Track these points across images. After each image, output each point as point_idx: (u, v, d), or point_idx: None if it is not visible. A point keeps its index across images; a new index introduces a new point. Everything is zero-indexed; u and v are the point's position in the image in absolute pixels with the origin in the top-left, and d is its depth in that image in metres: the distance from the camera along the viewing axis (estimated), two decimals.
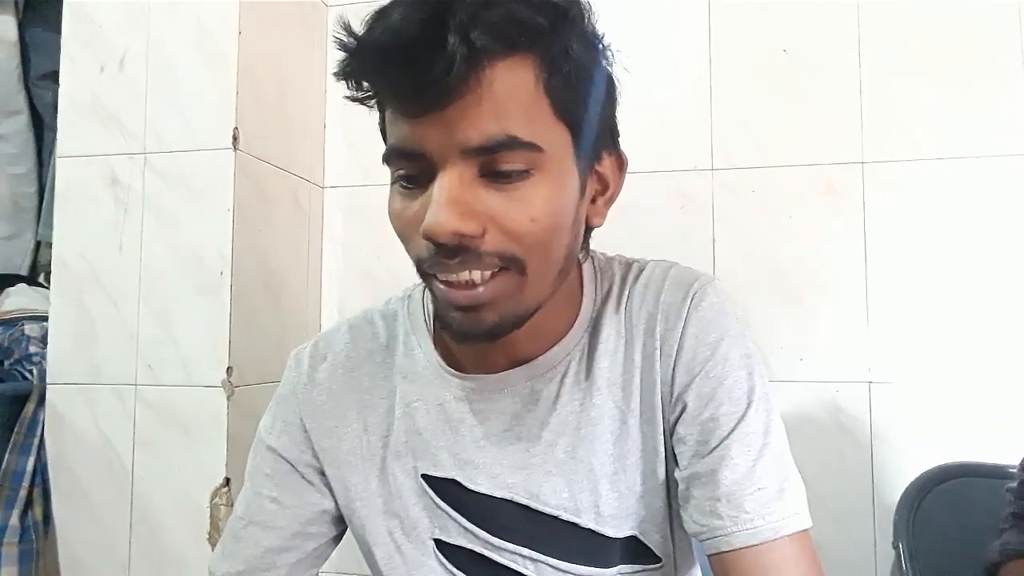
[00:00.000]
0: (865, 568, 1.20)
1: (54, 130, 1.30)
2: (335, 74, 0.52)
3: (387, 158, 0.54)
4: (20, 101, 1.49)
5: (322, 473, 0.66)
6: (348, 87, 0.52)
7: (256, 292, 1.22)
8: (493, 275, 0.52)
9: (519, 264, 0.52)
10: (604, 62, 0.58)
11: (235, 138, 1.16)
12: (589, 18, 0.55)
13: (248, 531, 0.66)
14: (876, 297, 1.24)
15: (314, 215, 1.41)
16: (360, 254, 1.42)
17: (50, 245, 1.28)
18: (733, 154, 1.30)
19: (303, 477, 0.66)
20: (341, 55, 0.51)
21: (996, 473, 1.07)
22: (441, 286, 0.53)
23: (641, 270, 0.66)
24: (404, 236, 0.55)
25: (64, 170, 1.23)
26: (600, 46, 0.57)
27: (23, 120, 1.50)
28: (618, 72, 0.60)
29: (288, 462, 0.66)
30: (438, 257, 0.51)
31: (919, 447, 1.19)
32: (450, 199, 0.50)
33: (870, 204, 1.25)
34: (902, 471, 1.18)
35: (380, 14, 0.50)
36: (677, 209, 1.31)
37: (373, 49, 0.49)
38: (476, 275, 0.51)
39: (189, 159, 1.18)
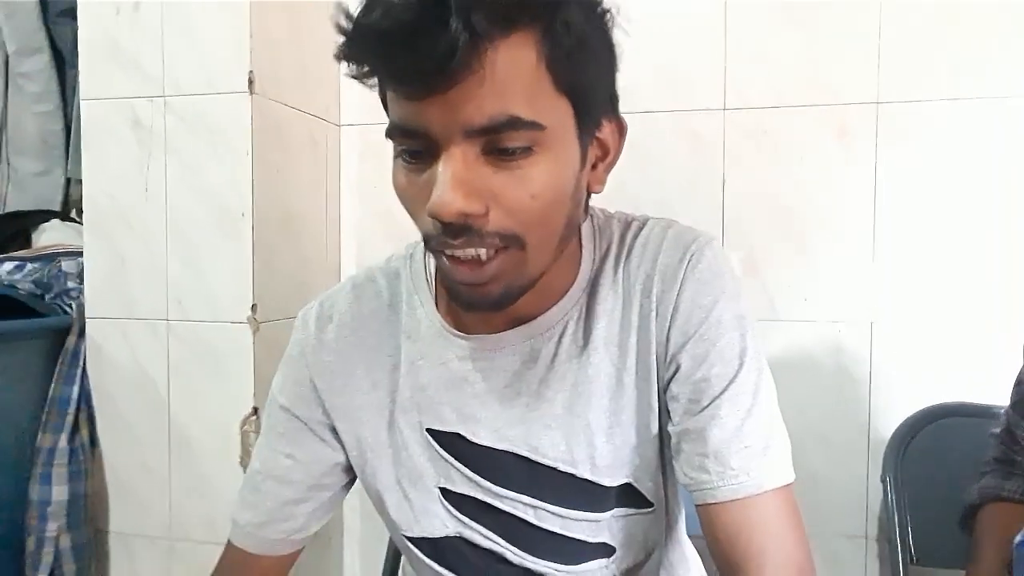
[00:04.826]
0: (858, 499, 1.26)
1: (75, 67, 1.31)
2: (334, 56, 0.52)
3: (390, 134, 0.55)
4: (41, 39, 1.51)
5: (333, 429, 0.70)
6: (347, 68, 0.52)
7: (277, 232, 1.26)
8: (496, 252, 0.54)
9: (519, 241, 0.54)
10: (604, 29, 0.57)
11: (251, 81, 1.18)
12: None
13: (266, 485, 0.71)
14: (882, 238, 1.25)
15: (331, 154, 1.44)
16: (376, 191, 1.46)
17: (80, 182, 1.32)
18: (746, 94, 1.29)
19: (315, 434, 0.70)
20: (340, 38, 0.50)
21: (985, 413, 1.10)
22: (447, 262, 0.55)
23: (640, 228, 0.67)
24: (411, 211, 0.56)
25: (88, 112, 1.26)
26: (599, 10, 0.56)
27: (45, 58, 1.53)
28: (619, 34, 0.58)
29: (301, 420, 0.70)
30: (444, 236, 0.53)
31: (916, 386, 1.23)
32: (455, 179, 0.51)
33: (883, 145, 1.24)
34: (898, 409, 1.22)
35: None
36: (688, 149, 1.31)
37: (373, 34, 0.49)
38: (481, 252, 0.53)
39: (207, 102, 1.20)
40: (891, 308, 1.25)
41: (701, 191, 1.31)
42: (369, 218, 1.48)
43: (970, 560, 0.87)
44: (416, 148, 0.53)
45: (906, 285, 1.24)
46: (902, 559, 1.09)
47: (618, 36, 0.59)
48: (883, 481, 1.14)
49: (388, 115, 0.55)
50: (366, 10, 0.50)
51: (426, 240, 0.57)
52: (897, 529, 1.10)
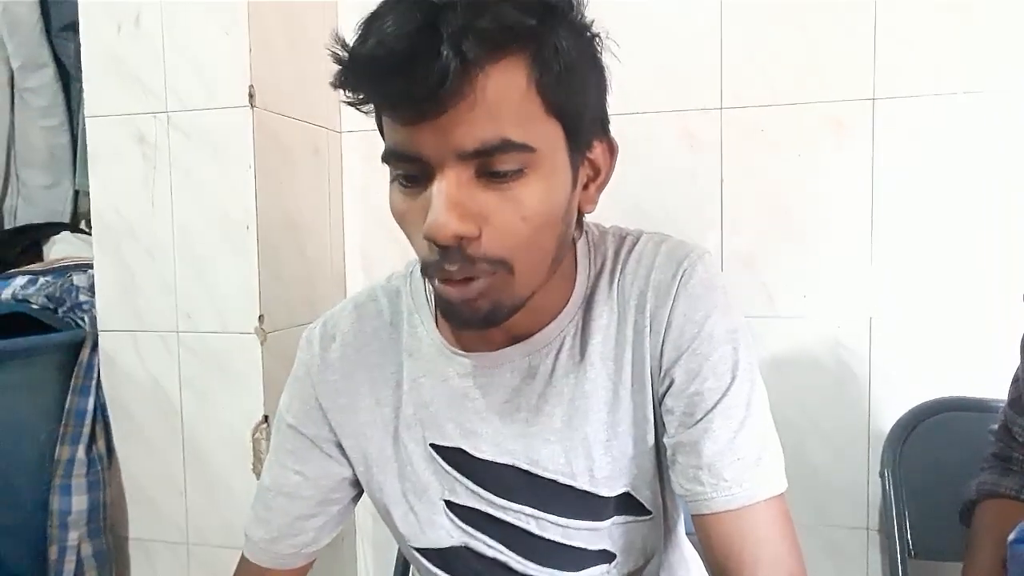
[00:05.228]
0: (858, 492, 1.28)
1: (79, 81, 1.33)
2: (331, 84, 0.54)
3: (386, 159, 0.57)
4: (45, 54, 1.53)
5: (340, 445, 0.73)
6: (344, 94, 0.54)
7: (282, 243, 1.28)
8: (485, 275, 0.56)
9: (507, 266, 0.56)
10: (593, 52, 0.58)
11: (251, 95, 1.19)
12: (578, 7, 0.56)
13: (277, 501, 0.74)
14: (880, 235, 1.25)
15: (333, 162, 1.45)
16: (379, 197, 1.46)
17: (87, 193, 1.34)
18: (743, 92, 1.29)
19: (322, 451, 0.73)
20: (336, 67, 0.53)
21: (983, 408, 1.11)
22: (439, 283, 0.57)
23: (634, 244, 0.68)
24: (407, 233, 0.59)
25: (93, 129, 1.28)
26: (588, 34, 0.58)
27: (50, 73, 1.55)
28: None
29: (308, 438, 0.73)
30: (441, 263, 0.55)
31: (915, 381, 1.24)
32: (449, 201, 0.52)
33: (879, 141, 1.24)
34: (897, 404, 1.23)
35: (371, 22, 0.52)
36: (686, 149, 1.32)
37: (367, 62, 0.51)
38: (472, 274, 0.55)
39: (209, 117, 1.21)
40: (890, 304, 1.25)
41: (700, 191, 1.32)
42: (372, 224, 1.49)
43: (967, 556, 0.89)
44: (412, 172, 0.55)
45: (904, 281, 1.25)
46: (900, 552, 1.10)
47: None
48: (881, 476, 1.15)
49: (384, 140, 0.58)
50: (361, 39, 0.52)
51: (424, 267, 0.59)
52: (895, 522, 1.12)
